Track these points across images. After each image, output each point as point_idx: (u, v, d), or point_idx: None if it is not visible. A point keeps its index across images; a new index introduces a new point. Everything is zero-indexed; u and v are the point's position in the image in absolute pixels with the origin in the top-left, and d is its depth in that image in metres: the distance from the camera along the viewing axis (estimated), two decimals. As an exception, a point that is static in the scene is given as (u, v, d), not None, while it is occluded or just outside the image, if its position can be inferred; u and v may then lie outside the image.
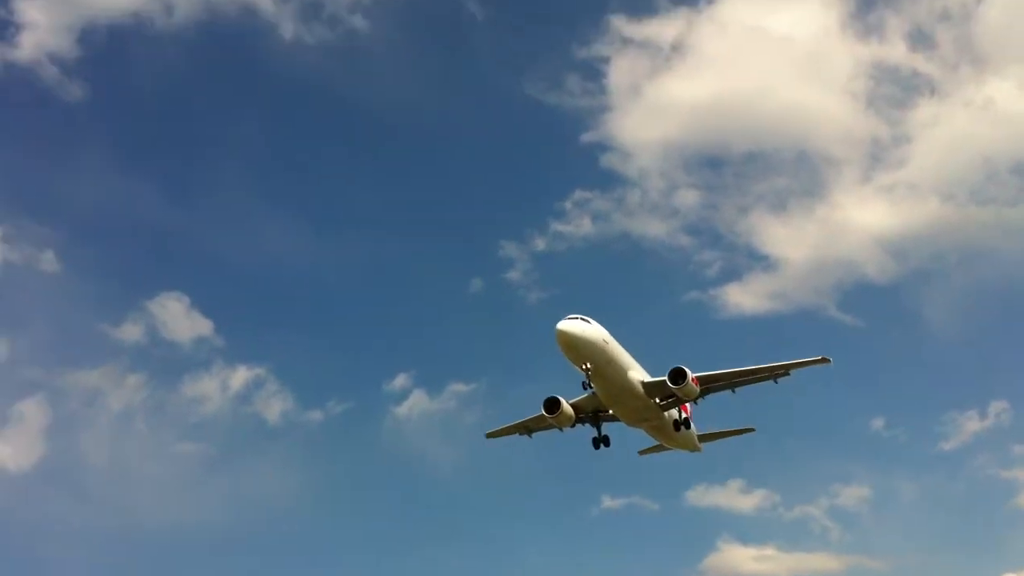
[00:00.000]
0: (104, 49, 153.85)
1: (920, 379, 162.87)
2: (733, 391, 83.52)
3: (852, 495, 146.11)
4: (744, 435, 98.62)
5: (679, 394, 79.21)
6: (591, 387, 75.76)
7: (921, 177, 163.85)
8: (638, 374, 79.86)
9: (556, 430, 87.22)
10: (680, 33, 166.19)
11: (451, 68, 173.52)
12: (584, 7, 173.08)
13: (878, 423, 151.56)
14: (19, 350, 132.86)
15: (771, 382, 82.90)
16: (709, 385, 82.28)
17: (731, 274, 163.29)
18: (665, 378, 78.69)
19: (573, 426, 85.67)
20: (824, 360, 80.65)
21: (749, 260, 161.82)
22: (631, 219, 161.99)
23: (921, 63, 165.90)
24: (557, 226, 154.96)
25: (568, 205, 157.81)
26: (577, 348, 73.31)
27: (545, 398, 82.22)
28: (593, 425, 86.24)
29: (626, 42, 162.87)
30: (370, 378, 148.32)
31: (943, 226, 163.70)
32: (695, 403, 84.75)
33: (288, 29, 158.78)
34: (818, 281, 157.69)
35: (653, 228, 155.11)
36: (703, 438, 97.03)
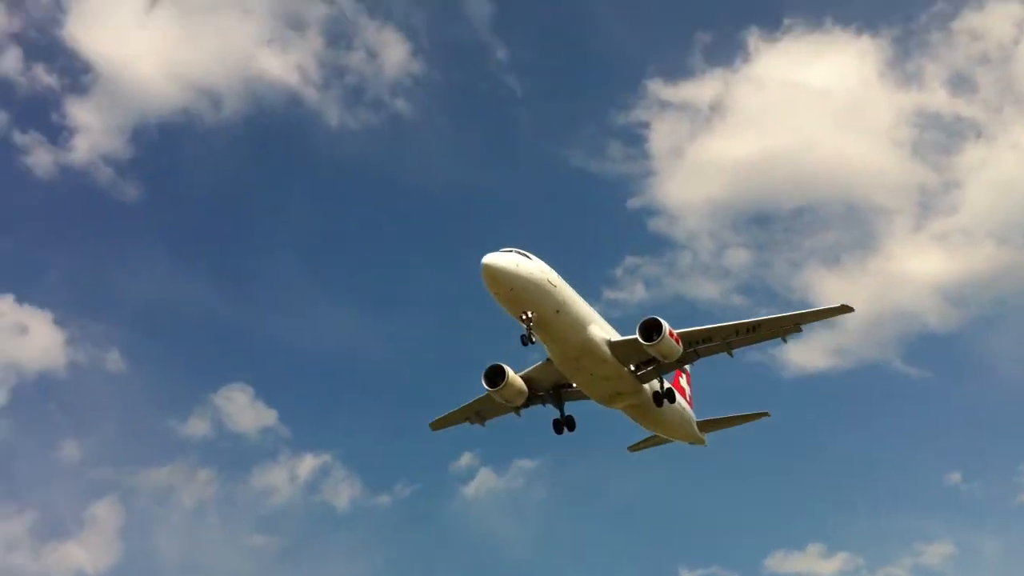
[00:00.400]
0: (156, 148, 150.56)
1: (993, 429, 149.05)
2: (730, 353, 65.07)
3: (936, 553, 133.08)
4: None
5: (655, 354, 60.95)
6: (533, 341, 57.94)
7: (974, 222, 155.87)
8: (602, 331, 61.97)
9: (512, 415, 69.81)
10: (717, 93, 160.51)
11: (493, 143, 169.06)
12: (620, 74, 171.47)
13: (954, 477, 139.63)
14: (90, 451, 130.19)
15: (780, 340, 64.51)
16: (698, 346, 64.03)
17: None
18: (636, 335, 60.64)
19: (528, 405, 67.88)
20: (846, 309, 62.17)
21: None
22: (683, 282, 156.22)
23: (963, 107, 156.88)
24: (610, 294, 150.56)
25: (619, 272, 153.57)
26: (511, 288, 55.78)
27: (487, 367, 64.63)
28: (554, 404, 68.26)
29: (664, 105, 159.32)
30: (436, 458, 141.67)
31: (1001, 270, 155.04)
32: (683, 370, 66.34)
33: (333, 116, 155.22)
34: (879, 334, 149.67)
35: (706, 290, 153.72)
36: (706, 426, 78.36)
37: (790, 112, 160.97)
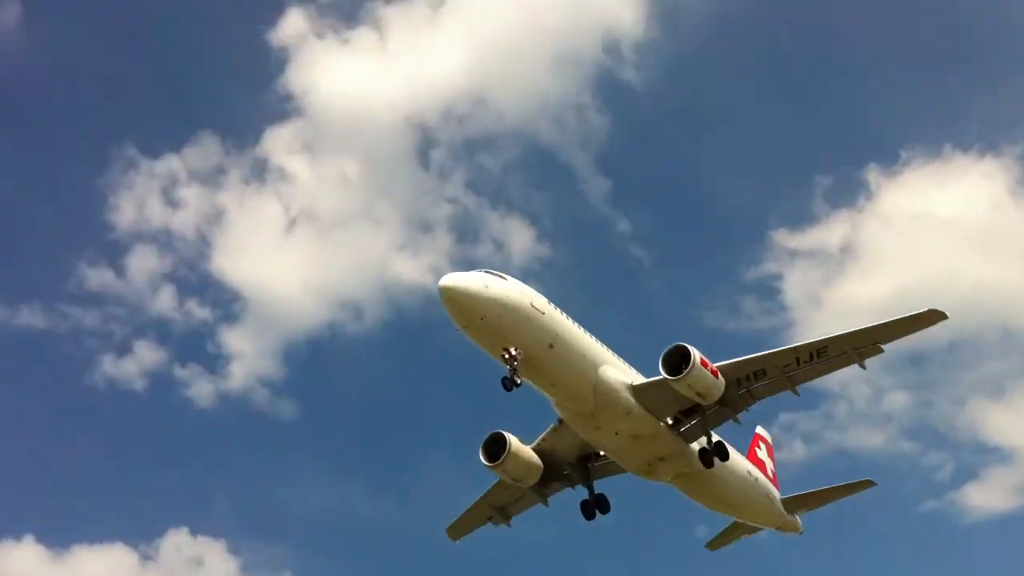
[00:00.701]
0: (306, 364, 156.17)
1: None
2: (795, 391, 50.64)
3: None
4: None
5: (687, 393, 47.12)
6: (518, 384, 44.98)
7: None
8: (620, 373, 48.67)
9: (540, 506, 56.23)
10: (846, 235, 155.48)
11: (627, 315, 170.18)
12: (744, 229, 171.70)
13: None
14: None
15: (857, 367, 49.98)
16: (751, 385, 49.89)
17: (966, 474, 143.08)
18: (662, 373, 47.12)
19: (547, 486, 54.17)
20: (937, 315, 47.53)
21: (981, 455, 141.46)
22: (844, 434, 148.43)
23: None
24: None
25: (774, 431, 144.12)
26: (481, 316, 43.44)
27: (485, 437, 51.80)
28: (581, 481, 54.36)
29: (793, 254, 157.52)
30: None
31: None
32: (736, 420, 51.83)
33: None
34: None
35: (869, 439, 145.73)
36: (795, 505, 62.55)
37: (924, 245, 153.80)
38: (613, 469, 53.85)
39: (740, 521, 62.37)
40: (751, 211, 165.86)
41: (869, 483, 62.42)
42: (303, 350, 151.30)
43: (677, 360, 46.52)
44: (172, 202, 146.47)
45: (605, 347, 48.75)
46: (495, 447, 50.79)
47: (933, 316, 47.49)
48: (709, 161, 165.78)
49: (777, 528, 62.54)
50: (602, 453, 52.57)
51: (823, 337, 49.10)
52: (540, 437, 52.21)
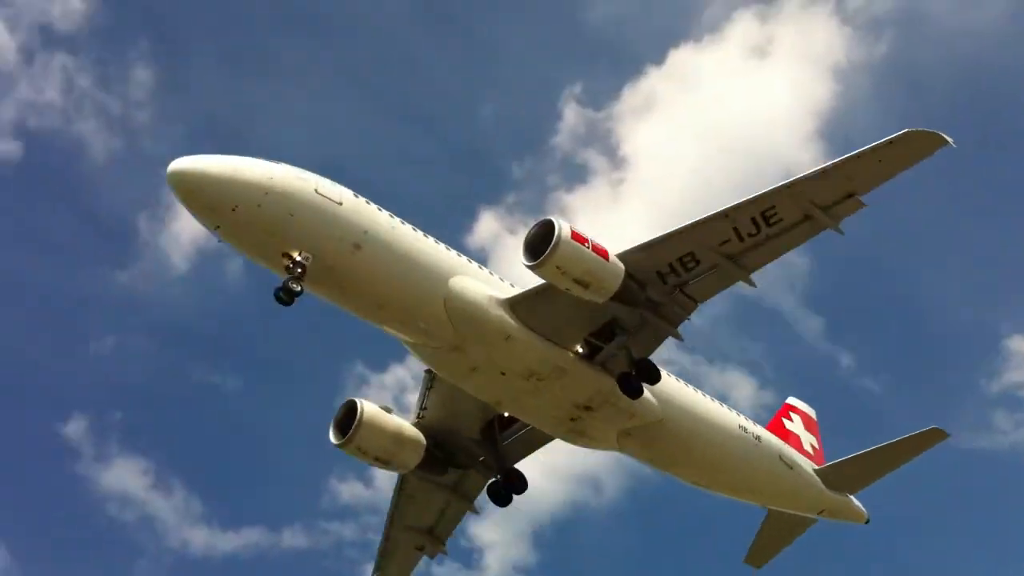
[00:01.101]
0: (555, 545, 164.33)
1: None
2: (749, 280, 35.25)
3: None
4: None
5: (559, 282, 32.21)
6: (298, 291, 31.45)
7: None
8: (483, 284, 34.85)
9: (470, 515, 41.78)
10: None
11: (867, 442, 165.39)
12: (974, 343, 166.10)
13: None
14: None
15: (833, 232, 34.53)
16: (681, 279, 34.89)
17: None
18: (523, 261, 32.89)
19: (442, 471, 39.64)
20: (937, 140, 31.94)
21: None
22: None
23: None
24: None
25: None
26: (233, 206, 30.59)
27: (337, 411, 38.32)
28: (494, 460, 39.74)
29: None
30: None
31: None
32: (676, 336, 36.34)
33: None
34: None
35: None
36: (837, 476, 45.50)
37: None
38: (535, 440, 39.35)
39: (774, 510, 45.96)
40: (978, 323, 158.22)
41: (940, 434, 44.94)
42: (549, 532, 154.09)
43: (537, 239, 32.40)
44: (403, 408, 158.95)
45: (461, 255, 35.24)
46: (346, 420, 37.27)
47: (934, 140, 31.88)
48: (922, 280, 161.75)
49: (821, 513, 45.63)
50: (508, 416, 38.31)
51: (772, 189, 33.98)
52: (418, 404, 38.56)
